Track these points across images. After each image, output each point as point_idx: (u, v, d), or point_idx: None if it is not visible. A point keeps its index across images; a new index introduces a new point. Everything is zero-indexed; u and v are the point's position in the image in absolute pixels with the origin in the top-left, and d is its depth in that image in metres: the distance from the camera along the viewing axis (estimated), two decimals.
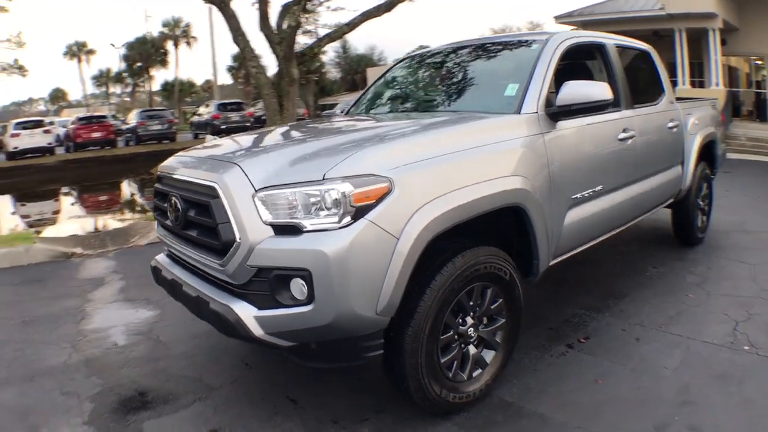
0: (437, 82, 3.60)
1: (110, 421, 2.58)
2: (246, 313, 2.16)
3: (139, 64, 49.40)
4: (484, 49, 3.55)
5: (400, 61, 4.13)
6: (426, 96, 3.57)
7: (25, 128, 20.58)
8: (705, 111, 4.98)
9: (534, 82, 2.93)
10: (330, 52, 47.98)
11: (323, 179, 2.09)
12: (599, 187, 3.19)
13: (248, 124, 22.52)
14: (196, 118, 26.71)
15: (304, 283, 2.07)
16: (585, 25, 16.06)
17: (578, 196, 3.01)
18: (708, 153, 4.91)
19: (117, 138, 23.59)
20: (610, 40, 3.77)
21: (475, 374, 2.57)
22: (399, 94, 3.85)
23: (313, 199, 2.10)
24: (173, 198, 2.54)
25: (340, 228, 2.06)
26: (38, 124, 21.35)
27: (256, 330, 2.14)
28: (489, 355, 2.64)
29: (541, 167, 2.72)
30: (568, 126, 2.98)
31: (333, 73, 50.00)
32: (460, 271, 2.36)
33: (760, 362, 2.82)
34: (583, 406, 2.54)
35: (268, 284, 2.14)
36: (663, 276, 4.18)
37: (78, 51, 51.40)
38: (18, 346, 3.54)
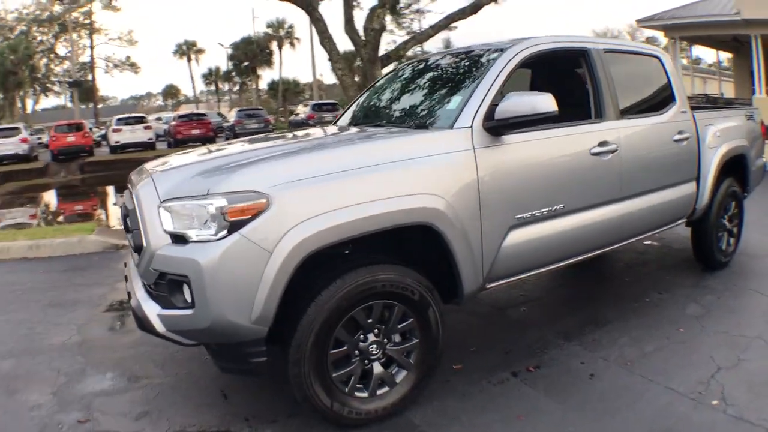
0: (397, 96, 3.57)
1: (71, 393, 2.96)
2: (151, 310, 2.33)
3: (245, 63, 52.31)
4: (456, 59, 3.47)
5: (388, 73, 4.14)
6: (382, 110, 3.57)
7: (126, 124, 22.49)
8: (734, 121, 4.43)
9: (476, 95, 2.82)
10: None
11: (207, 194, 2.21)
12: (559, 206, 2.96)
13: None
14: (293, 118, 28.14)
15: (189, 288, 2.21)
16: (666, 29, 15.40)
17: (526, 215, 2.83)
18: (737, 168, 4.40)
19: (217, 135, 25.27)
20: (598, 45, 3.47)
21: (380, 392, 2.55)
22: (366, 106, 3.87)
23: (198, 212, 2.22)
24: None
25: (217, 240, 2.16)
26: (139, 120, 23.33)
27: (159, 327, 2.31)
28: (400, 375, 2.60)
29: (465, 185, 2.60)
30: (516, 140, 2.82)
31: None
32: (351, 287, 2.36)
33: (722, 424, 2.42)
34: None
35: (166, 287, 2.29)
36: (661, 303, 3.81)
37: (187, 50, 54.72)
38: (32, 325, 4.02)
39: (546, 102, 2.62)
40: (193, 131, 23.56)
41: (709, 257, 4.29)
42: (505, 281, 2.91)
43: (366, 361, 2.52)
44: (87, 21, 37.52)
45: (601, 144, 3.17)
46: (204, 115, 26.49)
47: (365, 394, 2.51)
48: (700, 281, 4.18)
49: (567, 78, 3.63)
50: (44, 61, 40.08)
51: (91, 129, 25.68)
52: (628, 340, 3.29)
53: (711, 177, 3.99)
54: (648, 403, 2.62)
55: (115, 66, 40.99)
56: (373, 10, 11.83)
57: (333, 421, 2.46)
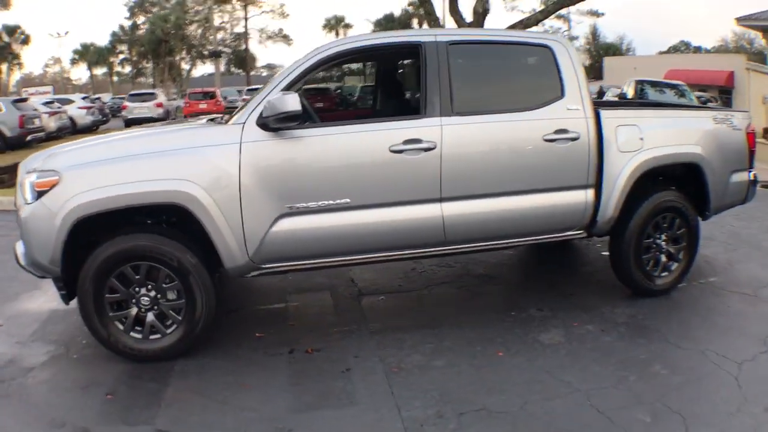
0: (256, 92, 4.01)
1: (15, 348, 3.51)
2: (20, 250, 3.33)
3: None
4: None
5: None
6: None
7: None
8: (678, 124, 3.97)
9: (261, 94, 3.25)
10: (581, 38, 49.62)
11: (32, 170, 3.12)
12: (343, 201, 3.25)
13: None
14: None
15: None
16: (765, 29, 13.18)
17: (299, 206, 3.20)
18: (688, 180, 4.01)
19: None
20: (441, 37, 3.49)
21: (152, 337, 3.24)
22: None
23: (27, 183, 3.14)
24: None
25: (30, 204, 3.07)
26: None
27: (22, 261, 3.28)
28: (172, 328, 3.24)
29: (225, 174, 3.10)
30: (297, 136, 3.20)
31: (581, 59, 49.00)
32: (116, 249, 3.08)
33: None
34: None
35: None
36: (527, 322, 3.70)
37: (336, 24, 57.17)
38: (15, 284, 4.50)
39: (291, 101, 2.99)
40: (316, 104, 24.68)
41: (628, 280, 3.97)
42: (285, 264, 3.31)
43: (141, 310, 3.17)
44: None
45: (409, 141, 3.30)
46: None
47: (139, 336, 3.19)
48: (615, 307, 3.88)
49: (410, 74, 3.68)
50: (200, 30, 44.48)
51: (225, 98, 27.82)
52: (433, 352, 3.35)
53: (621, 186, 3.70)
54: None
55: (268, 37, 45.67)
56: None
57: (113, 351, 3.19)
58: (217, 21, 44.46)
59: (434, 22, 12.86)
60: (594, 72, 46.07)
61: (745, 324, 3.61)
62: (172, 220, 3.29)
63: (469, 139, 3.41)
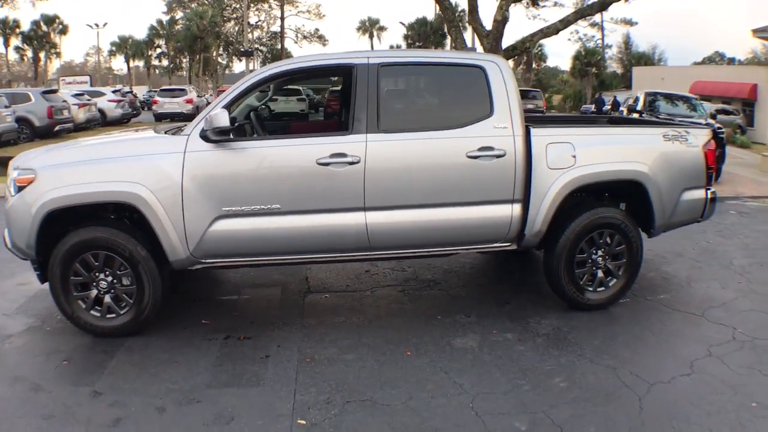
0: None
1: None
2: (6, 235, 3.91)
3: (418, 44, 54.26)
4: None
5: None
6: None
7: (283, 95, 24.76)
8: (619, 142, 4.15)
9: (206, 109, 3.70)
10: (614, 47, 50.29)
11: (15, 168, 3.72)
12: (274, 206, 3.66)
13: None
14: None
15: None
16: None
17: (233, 209, 3.64)
18: (630, 197, 4.22)
19: None
20: (373, 59, 3.84)
21: (109, 316, 3.75)
22: None
23: (10, 179, 3.73)
24: None
25: (12, 197, 3.67)
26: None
27: (7, 243, 3.83)
28: (125, 309, 3.73)
29: (169, 179, 3.57)
30: (235, 147, 3.65)
31: (613, 68, 51.92)
32: (77, 238, 3.61)
33: None
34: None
35: None
36: (450, 328, 3.98)
37: (370, 26, 58.01)
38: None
39: (222, 118, 3.46)
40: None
41: (560, 293, 4.19)
42: (222, 260, 3.76)
43: (100, 292, 3.70)
44: None
45: (335, 155, 3.66)
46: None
47: (98, 315, 3.73)
48: (544, 318, 4.10)
49: (346, 93, 4.02)
50: (237, 28, 45.98)
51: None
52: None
53: (549, 201, 3.93)
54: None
55: (304, 37, 46.81)
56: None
57: (76, 326, 3.73)
58: (253, 19, 46.22)
59: (455, 29, 13.05)
60: (625, 81, 46.21)
61: (678, 345, 3.69)
62: (133, 217, 3.79)
63: (392, 155, 3.76)
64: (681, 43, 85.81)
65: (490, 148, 3.81)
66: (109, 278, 3.70)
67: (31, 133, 15.90)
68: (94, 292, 3.72)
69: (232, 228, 3.66)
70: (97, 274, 3.69)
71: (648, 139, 4.18)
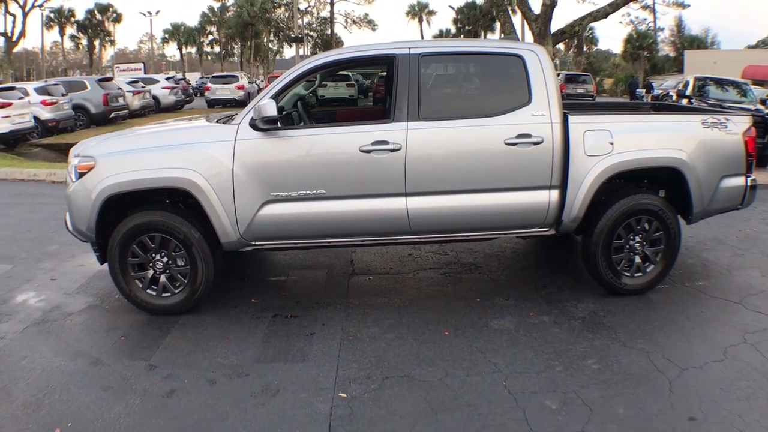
0: None
1: (62, 297, 4.95)
2: (68, 218, 4.19)
3: (468, 27, 53.98)
4: None
5: None
6: None
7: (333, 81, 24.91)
8: (658, 129, 4.15)
9: (255, 98, 3.91)
10: (666, 30, 49.23)
11: (76, 155, 4.03)
12: (320, 191, 3.85)
13: None
14: None
15: None
16: None
17: (281, 194, 3.85)
18: (669, 183, 4.22)
19: None
20: (414, 50, 3.95)
21: (164, 295, 4.04)
22: None
23: (71, 166, 4.05)
24: None
25: (73, 183, 3.98)
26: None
27: (69, 226, 4.15)
28: (179, 288, 4.02)
29: (221, 166, 3.80)
30: (282, 135, 3.84)
31: (665, 51, 51.01)
32: (137, 221, 3.89)
33: None
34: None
35: None
36: (487, 310, 4.10)
37: (419, 10, 57.71)
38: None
39: (269, 108, 3.65)
40: None
41: (598, 278, 4.24)
42: (270, 243, 4.00)
43: (156, 272, 3.99)
44: None
45: (377, 143, 3.82)
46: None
47: (154, 293, 4.03)
48: (581, 302, 4.17)
49: (389, 82, 4.16)
50: (287, 14, 46.65)
51: None
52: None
53: (587, 188, 3.99)
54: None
55: (353, 22, 47.17)
56: None
57: (134, 304, 4.04)
58: (303, 5, 46.54)
59: (503, 13, 13.05)
60: (677, 65, 44.95)
61: (713, 331, 3.69)
62: (188, 202, 4.04)
63: (432, 142, 3.90)
64: (734, 25, 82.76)
65: (528, 135, 3.89)
66: (165, 259, 3.98)
67: (88, 120, 16.72)
68: (151, 272, 4.01)
69: (279, 212, 3.87)
70: (153, 255, 3.98)
71: (686, 126, 4.17)
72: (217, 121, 4.18)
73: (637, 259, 4.19)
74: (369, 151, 3.83)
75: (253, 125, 3.81)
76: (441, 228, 4.02)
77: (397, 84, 3.91)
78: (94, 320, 4.08)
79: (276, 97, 3.87)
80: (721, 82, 11.79)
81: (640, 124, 4.16)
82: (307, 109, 5.07)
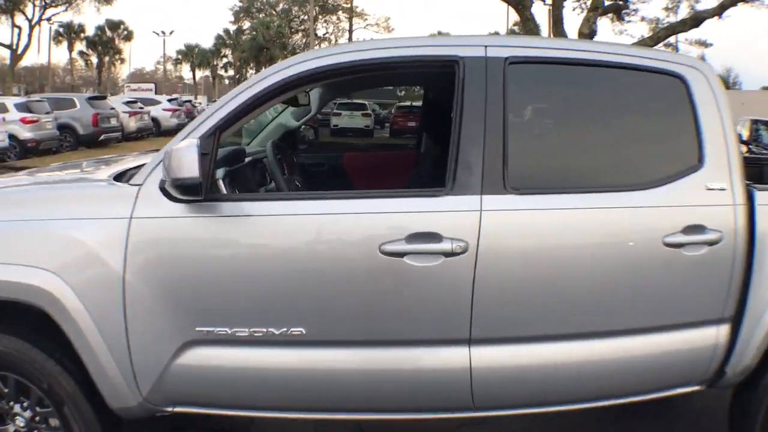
0: None
1: None
2: None
3: None
4: None
5: None
6: None
7: (348, 109, 23.93)
8: None
9: (177, 137, 2.13)
10: None
11: None
12: (291, 330, 2.04)
13: None
14: None
15: None
16: None
17: (215, 331, 2.04)
18: None
19: None
20: (499, 49, 2.16)
21: None
22: None
23: None
24: None
25: None
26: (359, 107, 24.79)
27: None
28: None
29: (102, 265, 2.01)
30: (221, 211, 2.06)
31: None
32: None
33: None
34: None
35: None
36: None
37: None
38: None
39: (184, 161, 1.86)
40: (408, 123, 23.27)
41: None
42: (199, 409, 2.14)
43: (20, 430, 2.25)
44: (347, 5, 42.21)
45: (416, 237, 2.01)
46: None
47: None
48: None
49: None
50: (305, 40, 45.58)
51: None
52: None
53: None
54: None
55: (369, 25, 46.49)
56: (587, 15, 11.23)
57: None
58: (321, 31, 45.67)
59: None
60: None
61: None
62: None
63: (531, 240, 2.08)
64: (751, 66, 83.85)
65: (701, 229, 2.08)
66: (27, 413, 2.20)
67: (75, 141, 15.29)
68: (11, 428, 2.25)
69: (215, 364, 2.07)
70: (10, 403, 2.21)
71: None
72: (115, 176, 2.35)
73: None
74: (401, 255, 2.00)
75: (165, 191, 2.04)
76: (529, 401, 2.19)
77: (460, 117, 2.09)
78: None
79: (215, 133, 2.06)
80: None
81: None
82: (288, 155, 3.22)
